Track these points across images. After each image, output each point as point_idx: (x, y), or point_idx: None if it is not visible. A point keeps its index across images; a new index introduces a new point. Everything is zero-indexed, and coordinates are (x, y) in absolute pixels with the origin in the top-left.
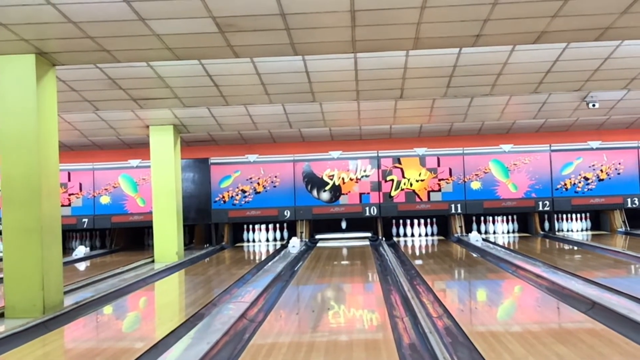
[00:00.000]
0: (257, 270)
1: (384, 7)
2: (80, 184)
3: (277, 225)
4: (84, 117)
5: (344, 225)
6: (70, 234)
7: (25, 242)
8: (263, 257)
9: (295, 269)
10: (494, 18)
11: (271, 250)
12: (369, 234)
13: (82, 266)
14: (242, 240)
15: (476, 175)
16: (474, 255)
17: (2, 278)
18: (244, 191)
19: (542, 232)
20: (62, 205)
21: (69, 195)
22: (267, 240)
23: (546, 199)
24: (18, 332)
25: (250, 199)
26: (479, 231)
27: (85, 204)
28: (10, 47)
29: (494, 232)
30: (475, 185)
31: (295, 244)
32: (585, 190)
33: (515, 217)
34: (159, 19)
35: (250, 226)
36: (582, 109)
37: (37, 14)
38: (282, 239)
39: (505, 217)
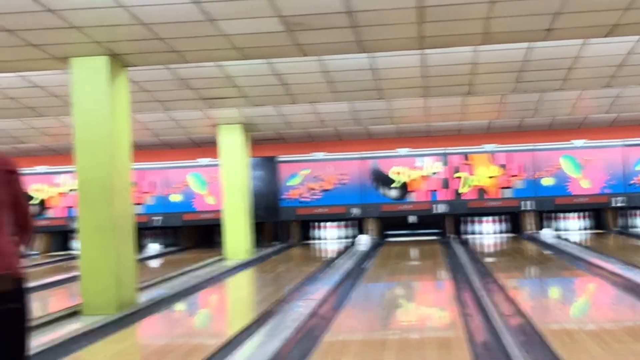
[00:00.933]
0: (327, 267)
1: (452, 2)
2: (152, 183)
3: (346, 222)
4: (155, 117)
5: (412, 222)
6: (143, 232)
7: (100, 240)
8: (332, 255)
9: (365, 266)
10: (565, 11)
11: (340, 247)
12: (438, 232)
13: (154, 264)
14: (310, 238)
15: (547, 171)
16: (546, 252)
17: (77, 276)
18: (312, 189)
19: (616, 229)
20: (135, 204)
21: (141, 194)
22: (336, 237)
23: (620, 194)
24: (94, 329)
25: (318, 197)
26: (551, 228)
27: (156, 202)
28: (83, 49)
29: (566, 229)
30: (547, 181)
31: (364, 242)
32: None
33: (588, 213)
34: (227, 19)
35: (318, 224)
36: None
37: (109, 17)
38: (350, 236)
39: (577, 214)
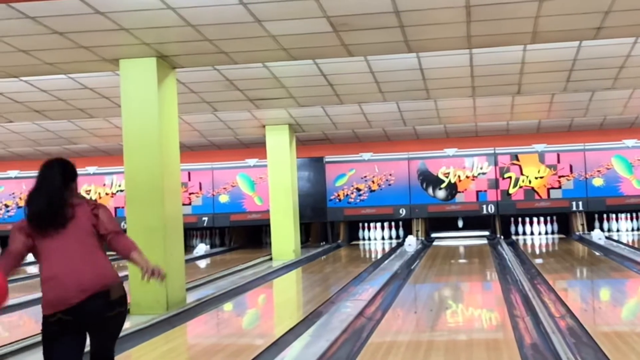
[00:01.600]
0: (374, 268)
1: (501, 1)
2: (200, 183)
3: (393, 223)
4: (203, 118)
5: (460, 224)
6: (191, 232)
7: (149, 240)
8: (379, 256)
9: (412, 267)
10: (615, 10)
11: (387, 248)
12: (486, 233)
13: (202, 264)
14: (357, 239)
15: (598, 171)
16: (597, 253)
17: (127, 275)
18: (358, 189)
19: None
20: (183, 204)
21: (190, 194)
22: (383, 238)
23: None
24: (143, 328)
25: (365, 197)
26: (602, 229)
27: (205, 203)
28: (132, 51)
29: (618, 230)
30: (598, 181)
31: (412, 242)
32: None
33: (639, 214)
34: (274, 20)
35: (366, 224)
36: None
37: (157, 18)
38: (397, 237)
39: (629, 215)
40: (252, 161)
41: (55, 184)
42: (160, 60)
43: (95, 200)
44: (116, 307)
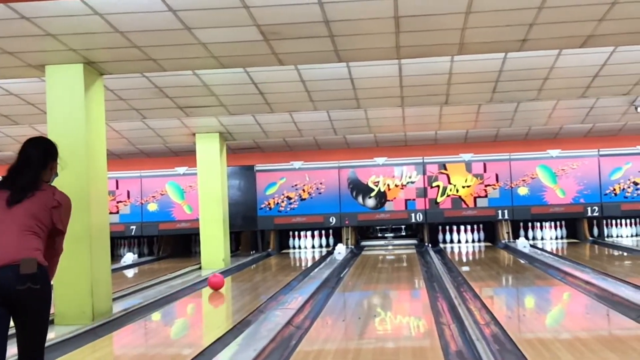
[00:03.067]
0: (304, 276)
1: (428, 12)
2: (128, 192)
3: (323, 231)
4: (132, 126)
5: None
6: (118, 241)
7: (74, 250)
8: (309, 264)
9: (342, 275)
10: (539, 22)
11: (317, 256)
12: (414, 241)
13: (130, 273)
14: (288, 247)
15: (523, 180)
16: (522, 261)
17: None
18: (289, 198)
19: (591, 238)
20: (110, 213)
21: (117, 202)
22: (313, 246)
23: (595, 204)
24: (68, 338)
25: (296, 206)
26: (527, 237)
27: (133, 212)
28: (58, 57)
29: (542, 238)
30: (523, 190)
31: (341, 251)
32: (635, 195)
33: (563, 223)
34: (205, 27)
35: (296, 233)
36: (630, 113)
37: (84, 24)
38: (327, 245)
39: (553, 223)
40: (181, 169)
41: (39, 162)
42: (87, 66)
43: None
44: (27, 282)
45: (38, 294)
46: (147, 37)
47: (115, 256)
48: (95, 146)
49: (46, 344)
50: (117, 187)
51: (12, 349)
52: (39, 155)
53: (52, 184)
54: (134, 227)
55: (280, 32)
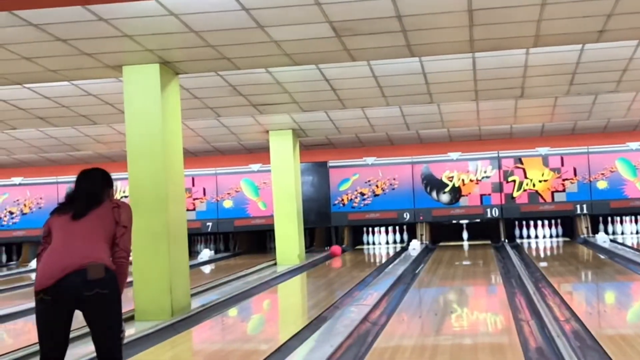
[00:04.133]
0: (378, 272)
1: (503, 5)
2: (204, 189)
3: (397, 227)
4: (206, 124)
5: (465, 235)
6: (195, 238)
7: (153, 247)
8: (383, 260)
9: (417, 271)
10: (618, 12)
11: (391, 252)
12: (488, 242)
13: (207, 269)
14: (362, 243)
15: (602, 174)
16: (602, 256)
17: (131, 282)
18: (362, 194)
19: None
20: (187, 210)
21: (194, 199)
22: (387, 242)
23: None
24: (148, 334)
25: (369, 202)
26: (606, 232)
27: (209, 208)
28: (135, 58)
29: (622, 233)
30: (602, 184)
31: (416, 247)
32: None
33: None
34: (277, 25)
35: (370, 229)
36: None
37: (160, 25)
38: (402, 241)
39: (633, 217)
40: (255, 166)
41: (97, 184)
42: (163, 66)
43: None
44: (94, 287)
45: (107, 297)
46: (221, 36)
47: (192, 252)
48: (171, 144)
49: (126, 340)
50: (193, 185)
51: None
52: (98, 183)
53: None
54: (210, 223)
55: (352, 28)
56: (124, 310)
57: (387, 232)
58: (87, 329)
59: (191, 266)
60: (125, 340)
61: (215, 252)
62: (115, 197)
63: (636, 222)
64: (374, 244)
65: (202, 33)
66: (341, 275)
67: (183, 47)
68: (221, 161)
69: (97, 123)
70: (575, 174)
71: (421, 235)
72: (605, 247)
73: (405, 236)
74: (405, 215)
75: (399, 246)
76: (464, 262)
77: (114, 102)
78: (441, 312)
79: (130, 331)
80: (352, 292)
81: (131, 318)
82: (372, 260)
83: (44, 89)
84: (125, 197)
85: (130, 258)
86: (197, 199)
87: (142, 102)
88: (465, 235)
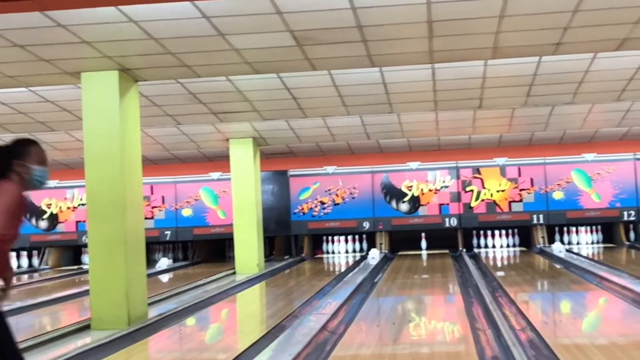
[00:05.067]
0: (337, 281)
1: (462, 17)
2: (163, 197)
3: (356, 236)
4: (166, 132)
5: (424, 245)
6: (153, 246)
7: (110, 255)
8: (343, 269)
9: (375, 280)
10: (574, 26)
11: (350, 261)
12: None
13: (165, 278)
14: (321, 252)
15: (558, 185)
16: (557, 266)
17: (88, 290)
18: (322, 203)
19: (627, 243)
20: (146, 218)
21: (152, 208)
22: (347, 251)
23: (631, 208)
24: (104, 343)
25: (329, 211)
26: (562, 242)
27: (167, 217)
28: (94, 64)
29: (578, 243)
30: (558, 195)
31: (375, 256)
32: None
33: (599, 227)
34: (238, 33)
35: (330, 237)
36: None
37: (120, 32)
38: (361, 250)
39: (589, 228)
40: (215, 174)
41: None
42: (122, 73)
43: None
44: None
45: None
46: (181, 44)
47: (150, 261)
48: (130, 152)
49: (82, 349)
50: (152, 193)
51: None
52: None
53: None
54: (168, 232)
55: (314, 37)
56: (81, 318)
57: (346, 241)
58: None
59: (149, 275)
60: (80, 350)
61: (174, 261)
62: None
63: (591, 232)
64: (333, 252)
65: (162, 40)
66: (300, 284)
67: (142, 54)
68: (180, 169)
69: (54, 130)
70: (532, 184)
71: (380, 244)
72: (561, 256)
73: (365, 245)
74: (364, 224)
75: (358, 255)
76: (423, 276)
77: (72, 108)
78: (399, 321)
79: (85, 340)
80: (311, 301)
81: (87, 327)
82: (331, 269)
83: (1, 95)
84: (83, 204)
85: (86, 266)
86: (155, 207)
87: (100, 109)
88: (424, 244)
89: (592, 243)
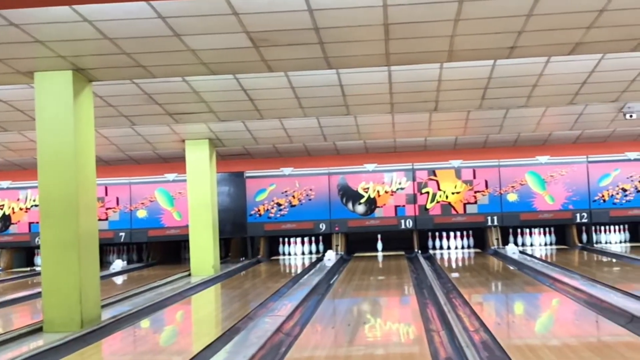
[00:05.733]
0: (293, 283)
1: (418, 20)
2: (117, 198)
3: (313, 238)
4: (121, 132)
5: (380, 246)
6: (107, 248)
7: (63, 257)
8: (299, 270)
9: (331, 282)
10: (528, 30)
11: (307, 263)
12: (402, 253)
13: (119, 280)
14: (277, 254)
15: (512, 187)
16: (511, 268)
17: (40, 292)
18: (279, 204)
19: (580, 244)
20: (100, 220)
21: (106, 209)
22: (303, 253)
23: (584, 210)
24: (56, 346)
25: (286, 212)
26: (516, 243)
27: (122, 218)
28: (47, 64)
29: (531, 245)
30: (512, 197)
31: (331, 257)
32: (624, 201)
33: (552, 229)
34: (194, 34)
35: (286, 239)
36: (619, 119)
37: (73, 31)
38: (317, 252)
39: (542, 230)
40: (171, 176)
41: None
42: (76, 73)
43: None
44: None
45: None
46: (136, 44)
47: (104, 263)
48: (84, 153)
49: (34, 352)
50: (106, 194)
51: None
52: None
53: None
54: (123, 233)
55: (270, 39)
56: (33, 321)
57: (302, 242)
58: None
59: (103, 277)
60: (32, 353)
61: (128, 263)
62: None
63: (545, 234)
64: (289, 254)
65: (117, 40)
66: (256, 286)
67: (97, 54)
68: (135, 170)
69: (7, 130)
70: (486, 187)
71: (337, 245)
72: (515, 258)
73: (321, 247)
74: (321, 226)
75: (314, 257)
76: (379, 277)
77: (25, 108)
78: (354, 322)
79: (38, 343)
80: (266, 303)
81: (39, 329)
82: (287, 270)
83: None
84: (36, 205)
85: (39, 268)
86: (110, 208)
87: (53, 109)
88: (379, 246)
89: (545, 245)
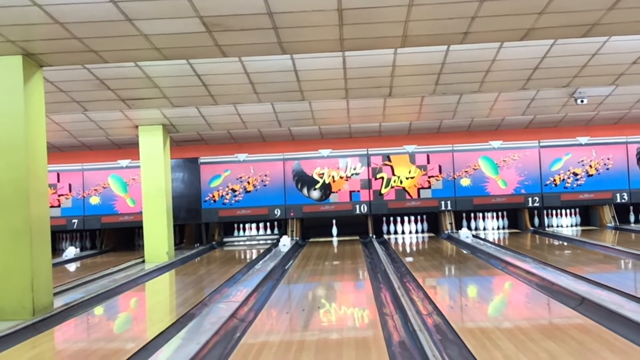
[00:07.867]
0: (248, 269)
1: (371, 5)
2: (70, 185)
3: (268, 224)
4: (73, 118)
5: (335, 231)
6: (60, 235)
7: (14, 244)
8: (254, 256)
9: (286, 267)
10: (481, 15)
11: (262, 249)
12: (357, 237)
13: (72, 267)
14: (232, 240)
15: (466, 172)
16: (464, 252)
17: None
18: (234, 190)
19: (531, 228)
20: (52, 206)
21: (59, 196)
22: (258, 239)
23: (536, 194)
24: (7, 334)
25: (241, 198)
26: (469, 228)
27: (74, 205)
28: None
29: (484, 229)
30: (465, 182)
31: (286, 243)
32: (575, 185)
33: (505, 213)
34: (146, 19)
35: (241, 225)
36: (570, 105)
37: (23, 15)
38: (272, 237)
39: (495, 214)
40: (124, 162)
41: None
42: (26, 58)
43: None
44: None
45: None
46: (87, 29)
47: (57, 250)
48: (34, 139)
49: None
50: (58, 181)
51: None
52: None
53: None
54: (75, 220)
55: (223, 23)
56: None
57: (258, 228)
58: None
59: (55, 264)
60: None
61: (81, 250)
62: None
63: (497, 218)
64: (244, 240)
65: (68, 25)
66: (210, 272)
67: (47, 39)
68: (88, 156)
69: None
70: (440, 172)
71: (292, 231)
72: (468, 242)
73: (276, 232)
74: (276, 212)
75: (269, 242)
76: (334, 262)
77: None
78: (309, 307)
79: None
80: (221, 289)
81: None
82: (242, 256)
83: None
84: None
85: None
86: (62, 195)
87: (3, 95)
88: (334, 231)
89: (498, 229)
